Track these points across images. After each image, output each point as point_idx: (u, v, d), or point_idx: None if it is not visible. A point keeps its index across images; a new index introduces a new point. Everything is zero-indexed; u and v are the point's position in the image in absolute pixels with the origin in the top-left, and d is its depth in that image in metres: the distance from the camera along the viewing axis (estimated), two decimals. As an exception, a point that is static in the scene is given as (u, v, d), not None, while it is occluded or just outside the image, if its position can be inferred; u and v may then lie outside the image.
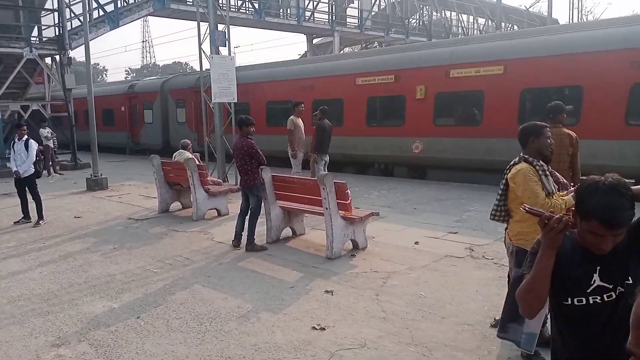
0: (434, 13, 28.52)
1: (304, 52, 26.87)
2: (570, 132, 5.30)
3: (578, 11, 30.72)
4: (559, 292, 1.79)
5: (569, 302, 1.78)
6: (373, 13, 25.94)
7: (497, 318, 4.07)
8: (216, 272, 5.63)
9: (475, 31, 29.77)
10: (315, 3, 23.44)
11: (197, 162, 8.75)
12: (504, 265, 5.30)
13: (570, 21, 28.82)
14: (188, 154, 9.06)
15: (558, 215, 1.74)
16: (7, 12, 16.88)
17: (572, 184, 4.17)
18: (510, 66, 10.32)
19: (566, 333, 1.85)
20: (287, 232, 7.03)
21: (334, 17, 23.54)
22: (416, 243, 6.46)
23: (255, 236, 6.46)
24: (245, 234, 6.50)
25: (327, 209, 5.95)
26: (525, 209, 1.93)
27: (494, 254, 5.89)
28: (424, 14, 28.23)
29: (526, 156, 3.45)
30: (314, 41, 25.61)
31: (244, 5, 21.08)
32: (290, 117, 10.25)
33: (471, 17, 30.27)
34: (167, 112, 19.35)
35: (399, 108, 12.07)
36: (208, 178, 8.82)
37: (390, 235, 6.92)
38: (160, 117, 19.56)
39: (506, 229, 3.74)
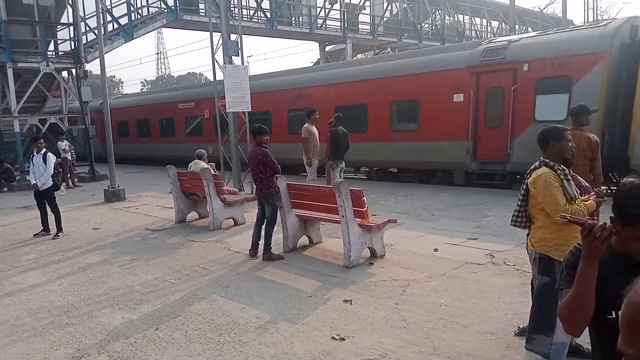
0: (447, 17, 28.40)
1: (317, 60, 26.92)
2: (590, 135, 5.17)
3: (593, 11, 30.32)
4: (601, 305, 1.69)
5: (614, 316, 1.68)
6: (385, 19, 25.90)
7: (521, 326, 3.98)
8: (234, 282, 5.61)
9: (489, 34, 29.54)
10: (327, 10, 23.51)
11: (213, 172, 8.78)
12: (526, 272, 5.19)
13: (586, 21, 28.44)
14: (204, 164, 9.09)
15: (602, 223, 1.65)
16: (24, 28, 17.24)
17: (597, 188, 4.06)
18: (198, 103, 19.04)
19: (610, 348, 1.75)
20: (303, 240, 6.99)
21: (346, 23, 23.57)
22: (435, 250, 6.36)
23: (272, 245, 6.44)
24: (262, 243, 6.49)
25: (343, 216, 5.90)
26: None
27: (515, 260, 5.77)
28: (437, 19, 28.12)
29: (547, 160, 3.36)
30: (327, 48, 25.64)
31: (256, 15, 21.22)
32: (305, 125, 10.24)
33: (484, 20, 30.06)
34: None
35: (199, 124, 19.41)
36: (224, 187, 8.83)
37: (409, 243, 6.84)
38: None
39: (528, 234, 3.64)
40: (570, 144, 3.39)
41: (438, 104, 10.42)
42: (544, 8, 29.47)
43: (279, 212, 6.64)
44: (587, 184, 3.71)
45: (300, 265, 6.13)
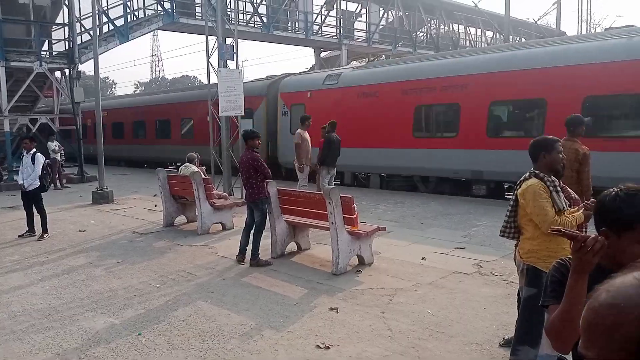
0: (442, 26, 28.57)
1: (311, 66, 26.98)
2: (579, 147, 5.14)
3: (587, 23, 30.55)
4: None
5: None
6: (381, 26, 26.01)
7: (506, 337, 3.97)
8: (219, 288, 5.56)
9: (483, 44, 29.75)
10: (323, 17, 23.58)
11: (203, 176, 8.73)
12: (512, 282, 5.18)
13: (579, 33, 28.66)
14: (194, 168, 9.04)
15: (594, 235, 1.63)
16: (19, 27, 17.14)
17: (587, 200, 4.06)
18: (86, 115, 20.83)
19: None
20: (292, 246, 6.94)
21: (341, 30, 23.63)
22: (423, 259, 6.34)
23: (259, 251, 6.39)
24: (249, 248, 6.43)
25: (333, 223, 5.87)
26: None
27: (502, 270, 5.77)
28: (432, 27, 28.28)
29: (537, 172, 3.36)
30: (322, 54, 25.71)
31: (252, 19, 21.23)
32: (298, 131, 10.23)
33: (479, 30, 30.26)
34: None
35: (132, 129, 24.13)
36: (214, 192, 8.77)
37: (397, 251, 6.82)
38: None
39: (516, 245, 3.63)
40: (560, 156, 3.39)
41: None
42: (538, 19, 29.68)
43: (268, 218, 6.60)
44: (576, 196, 3.72)
45: (288, 271, 6.08)
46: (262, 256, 6.40)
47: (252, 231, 6.51)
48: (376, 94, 12.50)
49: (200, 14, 18.72)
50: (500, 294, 5.07)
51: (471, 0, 23.16)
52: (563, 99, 9.29)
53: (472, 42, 29.71)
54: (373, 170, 12.51)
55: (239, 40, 12.53)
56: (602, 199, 1.70)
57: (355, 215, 6.12)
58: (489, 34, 30.55)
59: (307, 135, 10.22)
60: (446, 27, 28.76)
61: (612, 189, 1.68)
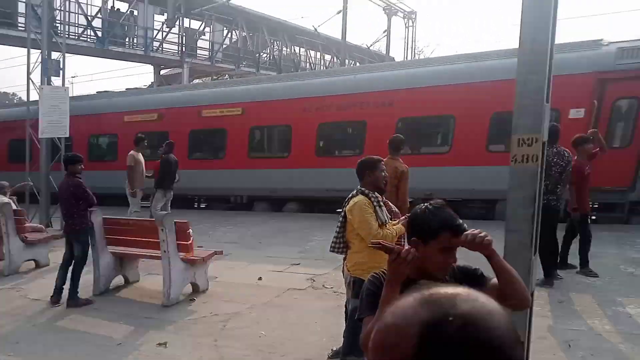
0: (284, 48, 29.55)
1: (150, 83, 25.74)
2: (399, 165, 5.68)
3: (412, 50, 34.29)
4: None
5: None
6: (224, 46, 25.94)
7: (335, 349, 4.11)
8: (27, 337, 4.84)
9: (322, 66, 31.47)
10: (164, 33, 22.71)
11: (14, 207, 7.62)
12: (342, 294, 5.38)
13: (405, 59, 32.01)
14: (4, 199, 7.84)
15: (407, 248, 1.81)
16: None
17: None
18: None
19: None
20: (118, 280, 6.37)
21: (183, 48, 22.99)
22: (259, 279, 6.33)
23: (79, 289, 5.71)
24: (67, 287, 5.73)
25: (165, 251, 5.54)
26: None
27: (333, 282, 6.00)
28: (275, 49, 29.06)
29: (363, 189, 3.61)
30: (162, 72, 24.73)
31: (85, 33, 19.47)
32: (131, 152, 9.55)
33: (318, 54, 31.95)
34: None
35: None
36: (27, 224, 7.70)
37: (234, 273, 6.70)
38: None
39: (344, 259, 3.79)
40: (383, 174, 3.68)
41: None
42: (371, 45, 32.34)
43: (90, 251, 5.97)
44: (396, 209, 4.05)
45: (112, 309, 5.55)
46: (82, 294, 5.74)
47: (70, 267, 5.82)
48: None
49: (23, 25, 16.55)
50: (331, 306, 5.25)
51: (312, 25, 24.45)
52: (238, 130, 12.55)
53: (312, 65, 31.27)
54: None
55: (68, 54, 11.45)
56: (415, 212, 1.91)
57: (190, 241, 5.88)
58: (328, 57, 32.46)
59: (141, 157, 9.59)
60: (288, 50, 29.82)
61: (423, 204, 1.90)
